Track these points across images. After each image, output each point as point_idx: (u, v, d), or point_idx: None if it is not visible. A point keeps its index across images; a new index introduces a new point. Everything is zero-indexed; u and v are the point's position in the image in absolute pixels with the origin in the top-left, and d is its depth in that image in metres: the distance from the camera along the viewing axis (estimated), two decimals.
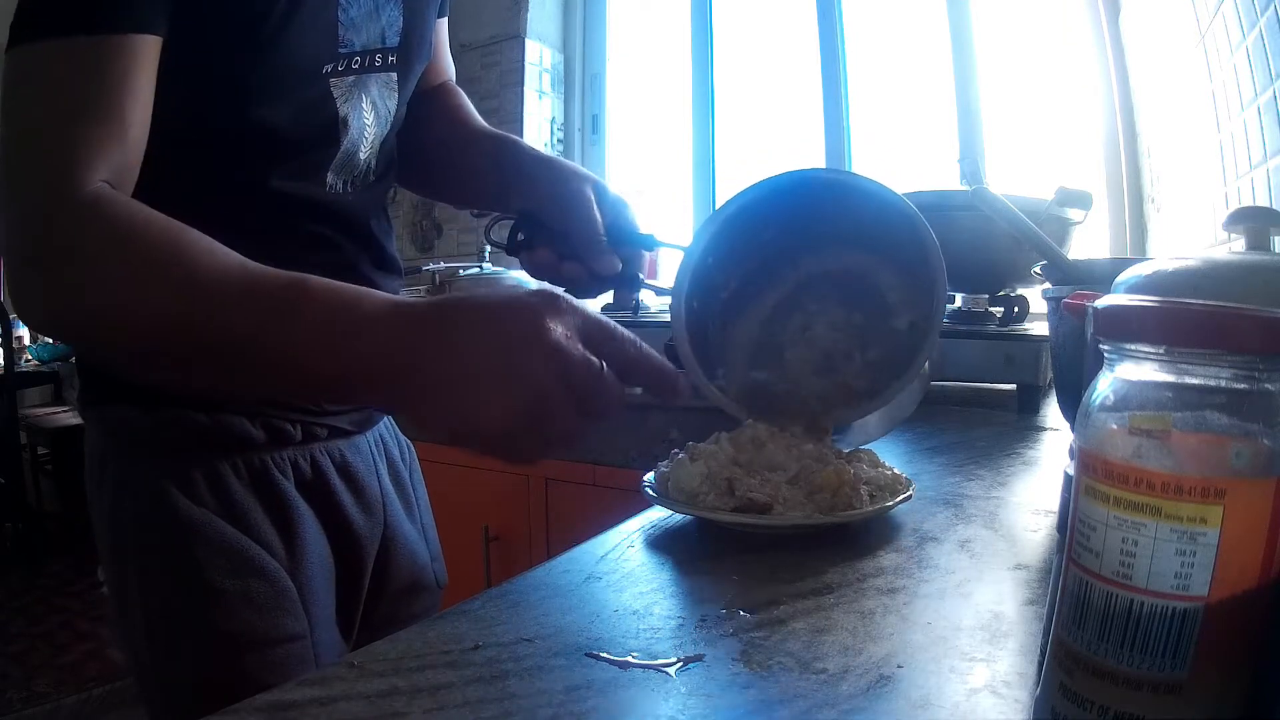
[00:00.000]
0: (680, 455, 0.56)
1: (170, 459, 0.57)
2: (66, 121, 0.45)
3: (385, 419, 0.74)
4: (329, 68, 0.58)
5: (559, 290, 0.42)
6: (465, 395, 0.39)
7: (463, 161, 0.76)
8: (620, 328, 0.44)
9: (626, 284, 0.66)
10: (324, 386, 0.45)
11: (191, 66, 0.51)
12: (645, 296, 1.46)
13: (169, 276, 0.42)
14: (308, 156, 0.59)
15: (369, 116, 0.62)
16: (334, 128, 0.59)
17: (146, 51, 0.47)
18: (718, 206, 0.69)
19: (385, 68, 0.62)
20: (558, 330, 0.40)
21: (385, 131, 0.65)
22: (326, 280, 0.43)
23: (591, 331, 0.42)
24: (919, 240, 0.59)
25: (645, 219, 0.69)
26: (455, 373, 0.40)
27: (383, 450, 0.72)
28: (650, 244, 0.68)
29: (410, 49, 0.64)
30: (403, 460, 0.75)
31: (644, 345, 0.45)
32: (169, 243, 0.43)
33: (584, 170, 0.66)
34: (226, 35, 0.52)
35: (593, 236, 0.63)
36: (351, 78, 0.60)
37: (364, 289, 0.43)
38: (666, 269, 1.94)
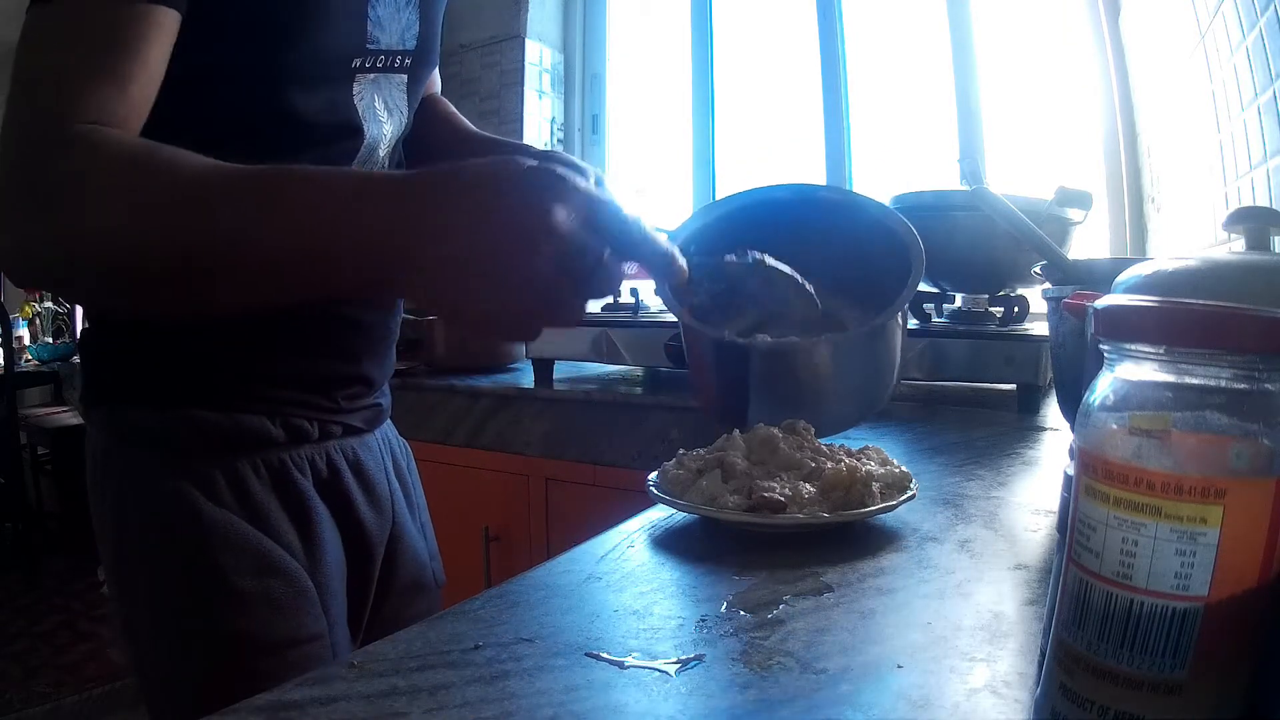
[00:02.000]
0: (699, 453, 0.56)
1: (187, 459, 0.57)
2: (67, 74, 0.44)
3: (389, 419, 0.74)
4: (357, 62, 0.59)
5: (563, 169, 0.41)
6: (466, 274, 0.39)
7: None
8: (623, 207, 0.43)
9: None
10: (324, 270, 0.42)
11: (225, 50, 0.51)
12: (646, 298, 1.46)
13: (155, 188, 0.42)
14: (333, 148, 0.60)
15: (384, 115, 0.63)
16: (357, 122, 0.60)
17: (162, 24, 0.47)
18: (712, 202, 0.71)
19: (401, 69, 0.63)
20: (562, 215, 0.39)
21: (398, 133, 0.66)
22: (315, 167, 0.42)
23: (596, 211, 0.41)
24: (897, 236, 0.61)
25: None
26: (457, 250, 0.39)
27: (388, 449, 0.72)
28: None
29: (424, 54, 0.66)
30: (403, 461, 0.76)
31: (646, 225, 0.44)
32: (150, 158, 0.43)
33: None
34: (258, 17, 0.52)
35: None
36: (373, 75, 0.61)
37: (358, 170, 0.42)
38: None
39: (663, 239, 0.46)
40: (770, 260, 0.55)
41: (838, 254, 0.68)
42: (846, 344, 0.61)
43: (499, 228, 0.39)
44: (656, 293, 0.64)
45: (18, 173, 0.43)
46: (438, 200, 0.40)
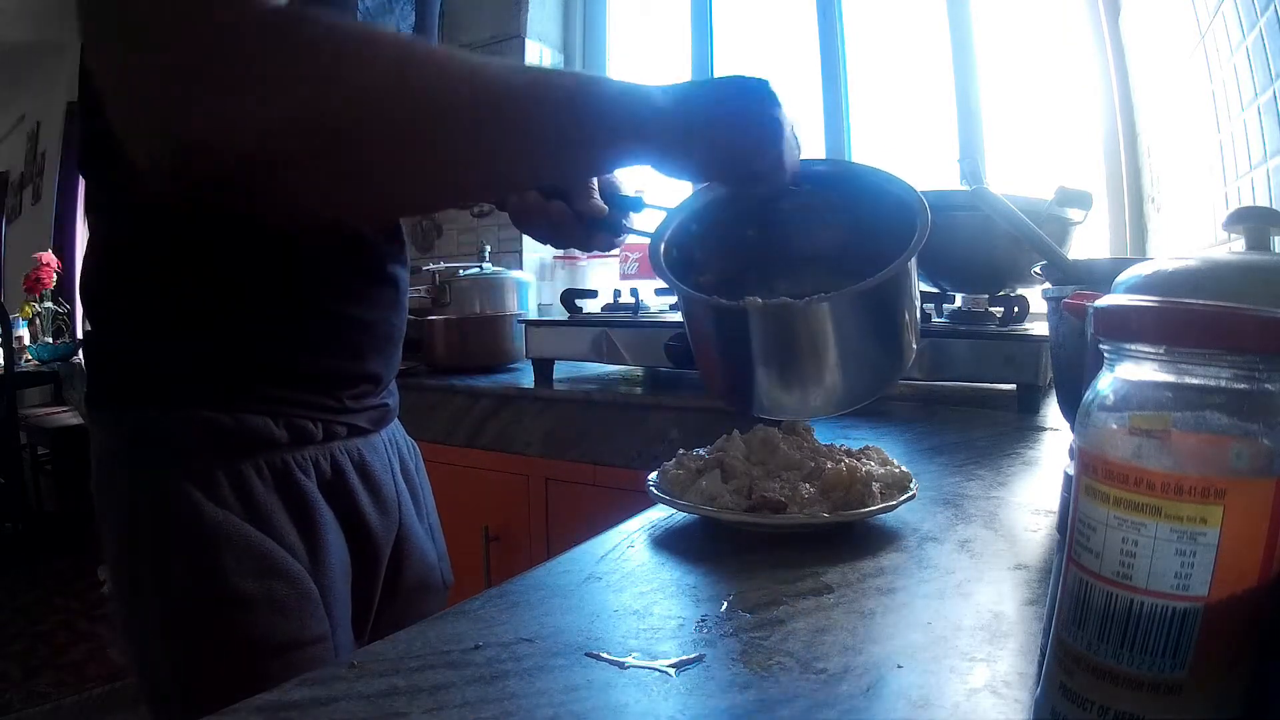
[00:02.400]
0: (699, 453, 0.56)
1: (191, 461, 0.57)
2: None
3: (396, 419, 0.74)
4: None
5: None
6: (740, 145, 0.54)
7: None
8: None
9: (610, 229, 0.68)
10: (627, 134, 0.50)
11: None
12: (646, 297, 1.46)
13: (431, 53, 0.43)
14: None
15: None
16: None
17: None
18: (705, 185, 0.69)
19: None
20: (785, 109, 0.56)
21: None
22: None
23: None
24: (899, 199, 0.60)
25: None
26: (733, 131, 0.53)
27: (395, 450, 0.72)
28: (638, 205, 0.69)
29: None
30: (411, 461, 0.75)
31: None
32: (399, 35, 0.45)
33: None
34: None
35: (582, 184, 0.65)
36: None
37: None
38: None
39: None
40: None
41: (841, 229, 0.66)
42: (847, 303, 0.58)
43: (759, 115, 0.54)
44: (655, 270, 0.63)
45: (235, 35, 0.39)
46: (716, 96, 0.53)
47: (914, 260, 0.58)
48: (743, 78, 0.55)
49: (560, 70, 0.49)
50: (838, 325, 0.57)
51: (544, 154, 0.48)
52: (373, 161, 0.42)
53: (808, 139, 1.97)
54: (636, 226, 0.69)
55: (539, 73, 0.48)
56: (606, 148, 0.50)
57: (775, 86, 0.55)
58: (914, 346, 0.62)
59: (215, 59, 0.39)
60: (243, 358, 0.59)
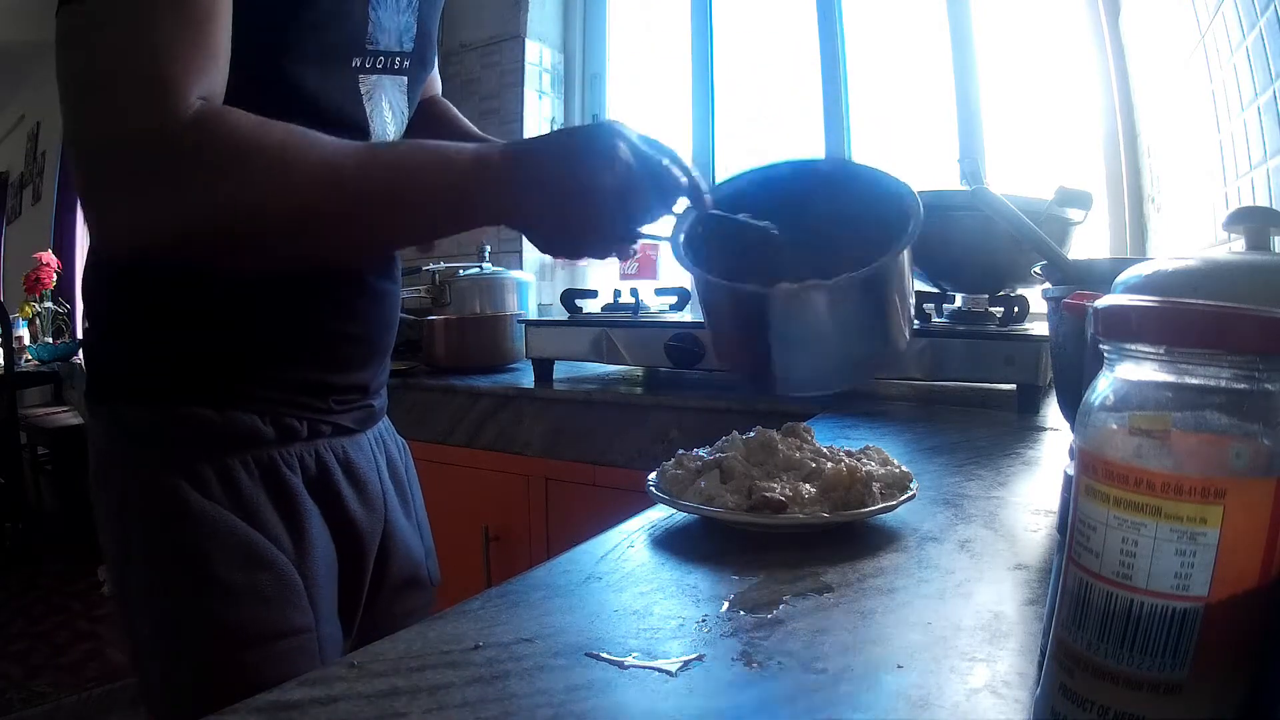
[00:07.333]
0: (698, 453, 0.56)
1: (181, 455, 0.58)
2: (160, 50, 0.45)
3: (385, 419, 0.75)
4: (357, 61, 0.60)
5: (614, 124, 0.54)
6: (557, 205, 0.53)
7: None
8: (663, 146, 0.58)
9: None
10: (441, 223, 0.54)
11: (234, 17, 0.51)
12: (646, 297, 1.46)
13: (305, 162, 0.48)
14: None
15: (388, 115, 0.64)
16: (363, 120, 0.62)
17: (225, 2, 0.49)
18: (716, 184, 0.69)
19: (400, 71, 0.65)
20: (623, 148, 0.53)
21: (399, 133, 0.67)
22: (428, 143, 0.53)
23: (644, 145, 0.55)
24: (895, 196, 0.61)
25: None
26: (552, 195, 0.53)
27: (383, 448, 0.73)
28: None
29: (422, 56, 0.67)
30: (400, 459, 0.76)
31: (680, 160, 0.59)
32: (285, 136, 0.48)
33: None
34: (260, 19, 0.52)
35: None
36: (374, 77, 0.62)
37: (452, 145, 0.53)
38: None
39: (695, 174, 0.59)
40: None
41: (847, 224, 0.66)
42: (851, 287, 0.60)
43: (581, 159, 0.52)
44: (679, 262, 0.63)
45: (140, 153, 0.45)
46: (534, 158, 0.53)
47: (907, 253, 0.60)
48: (576, 134, 0.55)
49: (401, 154, 0.54)
50: (846, 308, 0.59)
51: (408, 234, 0.56)
52: (267, 251, 0.50)
53: (807, 139, 1.96)
54: (646, 231, 0.69)
55: (394, 163, 0.52)
56: (464, 221, 0.55)
57: (615, 127, 0.54)
58: (906, 333, 0.63)
59: (153, 163, 0.45)
60: (236, 361, 0.60)
